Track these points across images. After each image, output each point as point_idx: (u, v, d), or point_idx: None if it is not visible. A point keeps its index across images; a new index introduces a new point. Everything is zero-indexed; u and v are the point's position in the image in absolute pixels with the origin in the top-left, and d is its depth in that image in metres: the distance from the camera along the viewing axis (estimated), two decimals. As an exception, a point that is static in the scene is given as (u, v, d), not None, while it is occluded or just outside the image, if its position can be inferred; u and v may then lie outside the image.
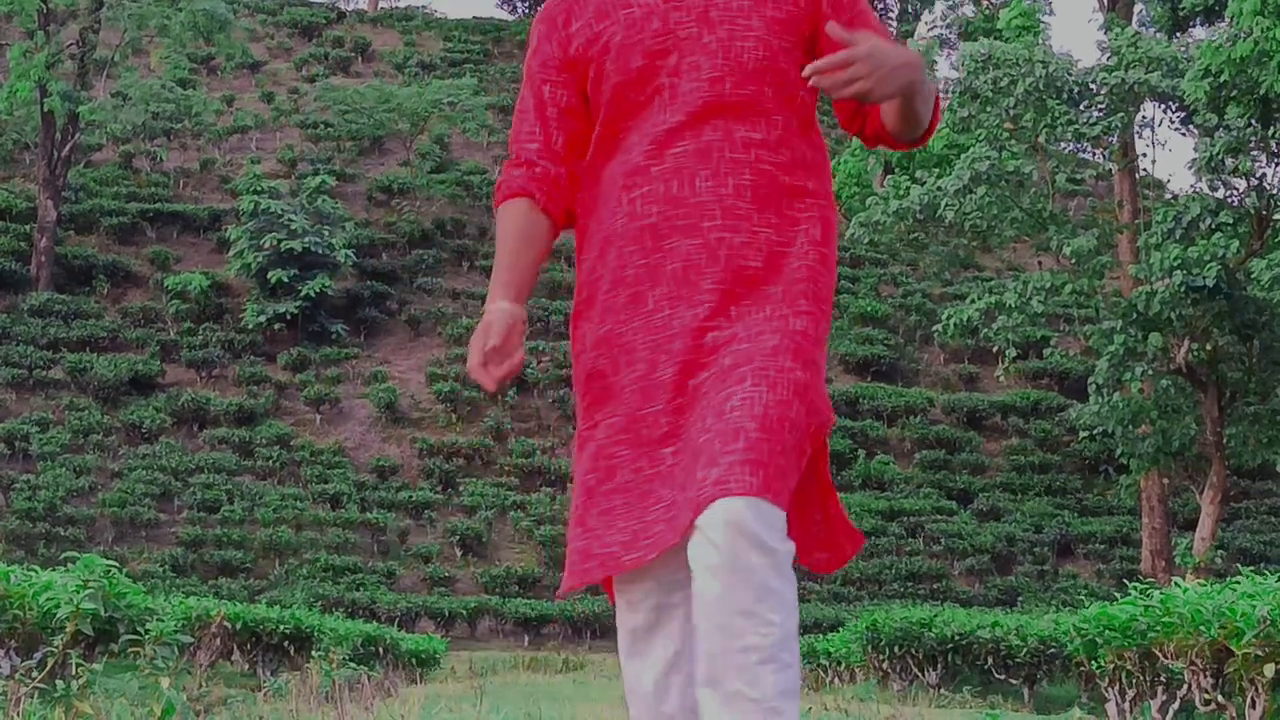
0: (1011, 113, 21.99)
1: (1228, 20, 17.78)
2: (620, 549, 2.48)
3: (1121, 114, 22.40)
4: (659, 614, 2.58)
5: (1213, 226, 20.23)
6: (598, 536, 2.51)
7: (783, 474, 2.37)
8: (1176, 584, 7.89)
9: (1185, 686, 7.64)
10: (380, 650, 16.43)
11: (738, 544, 2.30)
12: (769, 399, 2.38)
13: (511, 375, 2.56)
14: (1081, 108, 22.56)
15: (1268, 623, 6.20)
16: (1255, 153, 19.38)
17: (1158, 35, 23.69)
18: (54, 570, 8.69)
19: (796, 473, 2.44)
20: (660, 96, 2.58)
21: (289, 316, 35.36)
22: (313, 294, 35.26)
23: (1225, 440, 21.67)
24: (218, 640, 12.08)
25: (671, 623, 2.57)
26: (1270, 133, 18.39)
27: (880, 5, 33.13)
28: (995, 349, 23.98)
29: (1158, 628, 7.79)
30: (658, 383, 2.51)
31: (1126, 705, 8.97)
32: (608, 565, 2.50)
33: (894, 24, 34.34)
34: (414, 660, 18.02)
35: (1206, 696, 7.31)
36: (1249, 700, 6.53)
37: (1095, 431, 23.75)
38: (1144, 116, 24.54)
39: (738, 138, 2.57)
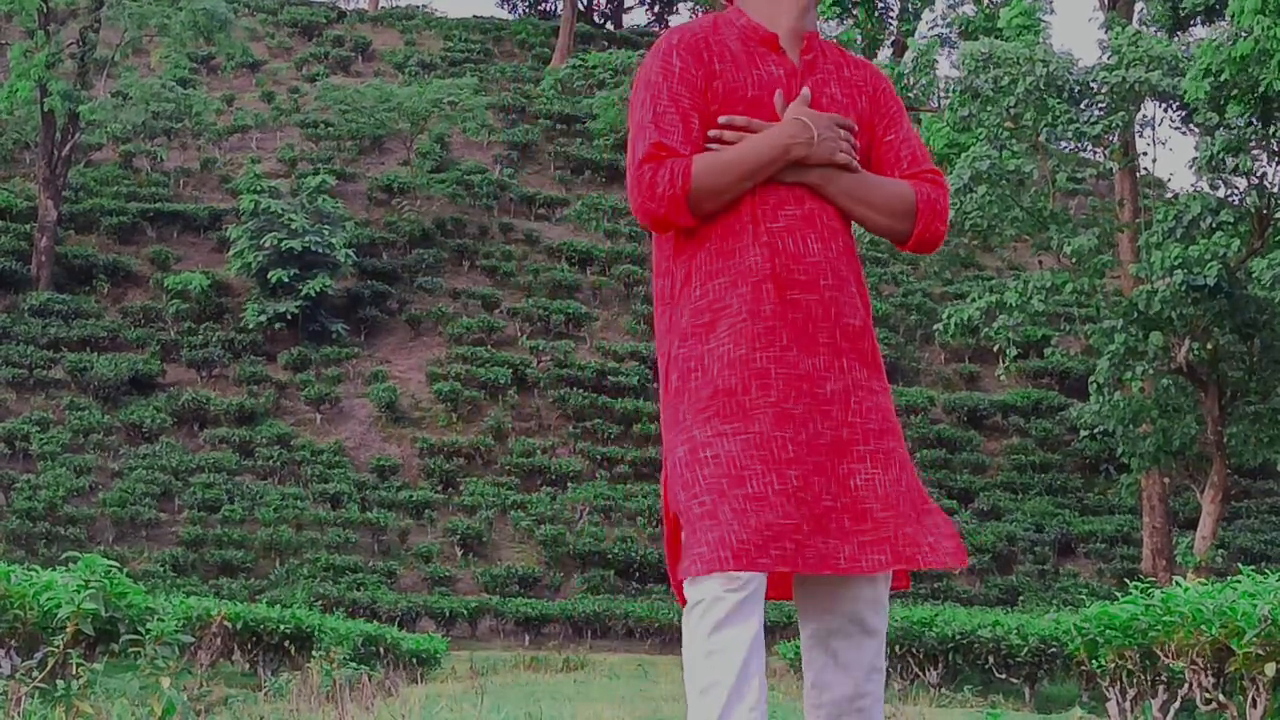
0: (1012, 112, 21.99)
1: (1228, 19, 17.77)
2: (754, 551, 2.75)
3: (1122, 113, 22.40)
4: (751, 609, 2.81)
5: (1213, 225, 20.23)
6: (735, 531, 2.76)
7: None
8: (1177, 583, 7.90)
9: (1186, 685, 7.65)
10: (381, 650, 16.44)
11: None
12: (887, 480, 2.93)
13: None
14: (1082, 106, 22.56)
15: (1269, 622, 6.21)
16: (1256, 151, 19.38)
17: (1158, 34, 23.69)
18: (55, 570, 8.70)
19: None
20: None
21: (289, 316, 35.37)
22: (313, 293, 35.27)
23: (1226, 439, 21.67)
24: (218, 640, 12.09)
25: (755, 618, 2.81)
26: (1271, 131, 18.41)
27: (881, 5, 33.11)
28: (996, 348, 23.98)
29: (1159, 627, 7.80)
30: (788, 414, 2.87)
31: (1127, 704, 8.98)
32: (736, 560, 2.75)
33: (894, 24, 34.33)
34: (414, 660, 18.03)
35: (1207, 695, 7.31)
36: (1250, 699, 6.53)
37: (1096, 431, 23.75)
38: (1144, 115, 24.54)
39: (829, 211, 3.01)
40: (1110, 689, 9.32)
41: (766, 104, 3.01)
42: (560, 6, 56.18)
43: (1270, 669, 6.21)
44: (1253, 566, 8.02)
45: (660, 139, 2.94)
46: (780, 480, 2.81)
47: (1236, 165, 19.50)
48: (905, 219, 3.05)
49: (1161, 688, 8.29)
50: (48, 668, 6.88)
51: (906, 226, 3.07)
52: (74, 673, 5.97)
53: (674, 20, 65.78)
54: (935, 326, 26.56)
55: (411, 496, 31.52)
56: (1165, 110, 23.67)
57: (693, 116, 2.99)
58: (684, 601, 2.87)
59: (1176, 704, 8.01)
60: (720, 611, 2.77)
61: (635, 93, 3.11)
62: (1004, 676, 14.37)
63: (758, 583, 2.80)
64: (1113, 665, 8.99)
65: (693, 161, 2.92)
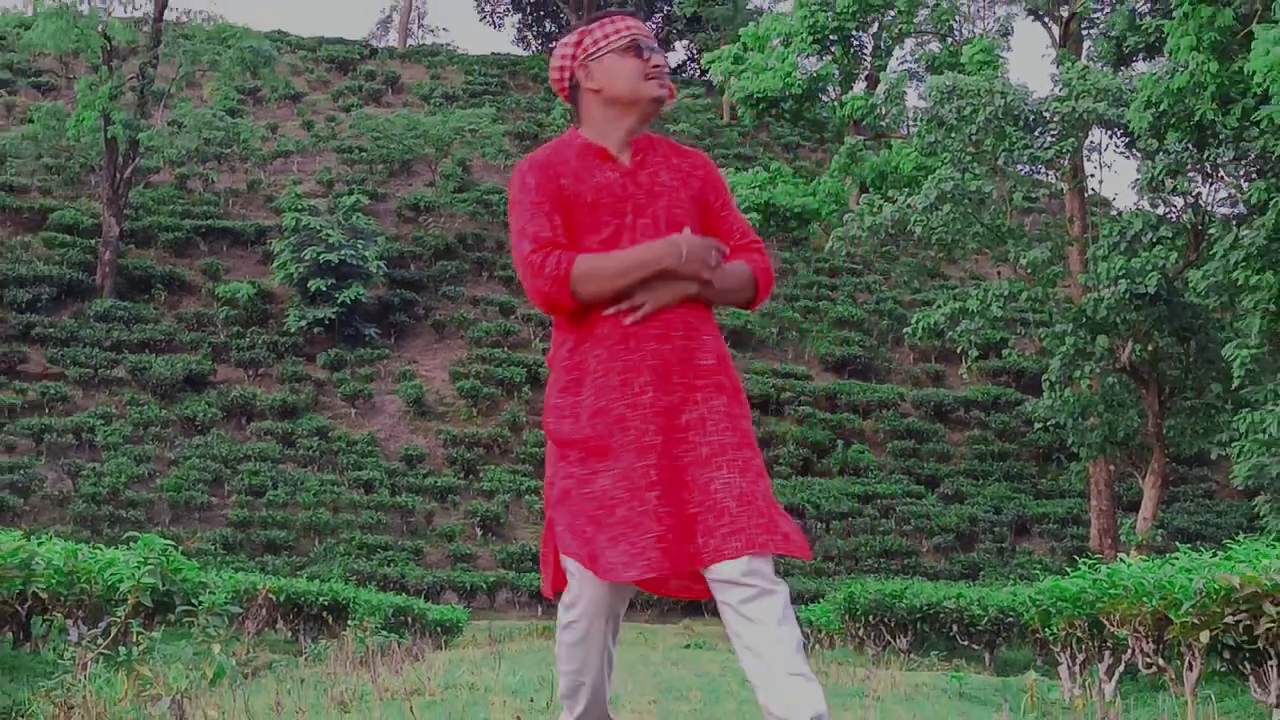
0: (973, 138, 22.00)
1: (1167, 55, 17.78)
2: (621, 566, 3.05)
3: (1072, 139, 22.42)
4: (599, 615, 3.29)
5: (1154, 240, 20.25)
6: (603, 553, 3.08)
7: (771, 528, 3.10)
8: (1122, 560, 7.91)
9: (1129, 651, 7.66)
10: (409, 619, 16.45)
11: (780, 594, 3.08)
12: (743, 482, 3.13)
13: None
14: (1036, 134, 22.58)
15: (1203, 594, 6.21)
16: (1192, 174, 19.38)
17: (1104, 69, 23.69)
18: (117, 549, 8.71)
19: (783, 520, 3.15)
20: (622, 243, 3.26)
21: (327, 321, 35.42)
22: (348, 301, 35.31)
23: (1165, 431, 21.68)
24: (263, 611, 12.09)
25: (603, 620, 3.30)
26: (1205, 156, 18.40)
27: (856, 43, 33.10)
28: (959, 349, 23.99)
29: (1105, 599, 7.81)
30: (648, 446, 3.13)
31: (1077, 668, 8.99)
32: (612, 573, 3.07)
33: (868, 59, 34.30)
34: (439, 628, 18.03)
35: (1148, 660, 7.32)
36: (1186, 664, 6.54)
37: (1049, 423, 23.77)
38: (1092, 141, 24.61)
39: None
40: (1061, 654, 9.33)
41: (605, 204, 3.30)
42: (569, 44, 56.17)
43: (1204, 636, 6.21)
44: (1189, 545, 8.02)
45: (539, 233, 3.21)
46: (643, 503, 3.08)
47: (1174, 186, 19.50)
48: (748, 292, 3.44)
49: (1107, 653, 8.30)
50: (111, 636, 6.88)
51: (749, 297, 3.46)
52: (134, 640, 5.97)
53: (671, 57, 65.81)
54: (904, 330, 26.55)
55: (436, 482, 31.56)
56: (1110, 137, 23.73)
57: (555, 216, 3.26)
58: (552, 596, 3.42)
59: (1120, 668, 8.02)
60: (574, 616, 3.30)
61: (510, 211, 3.35)
62: (966, 643, 14.37)
63: (605, 591, 3.22)
64: (1064, 633, 9.00)
65: (576, 255, 3.18)
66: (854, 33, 32.75)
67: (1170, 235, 20.23)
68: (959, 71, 25.79)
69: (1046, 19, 28.57)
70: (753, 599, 3.03)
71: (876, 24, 33.19)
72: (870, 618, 14.95)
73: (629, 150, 3.39)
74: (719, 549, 3.04)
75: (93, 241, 36.85)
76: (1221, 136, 17.35)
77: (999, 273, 26.39)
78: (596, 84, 3.40)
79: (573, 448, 3.20)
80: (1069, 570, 9.20)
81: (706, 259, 3.26)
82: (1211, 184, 19.88)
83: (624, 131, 3.38)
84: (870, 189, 28.70)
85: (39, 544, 7.87)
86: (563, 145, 3.43)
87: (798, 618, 16.43)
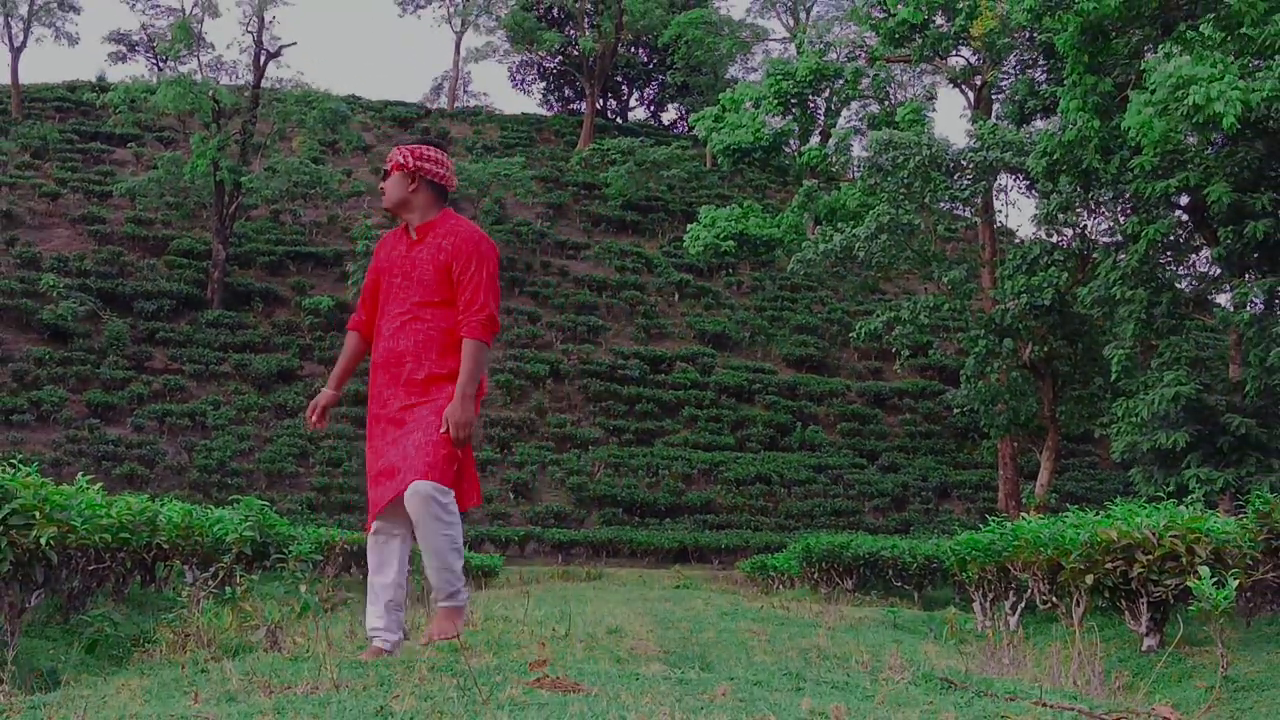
0: (905, 181, 21.98)
1: (1059, 115, 17.76)
2: (377, 496, 3.84)
3: (984, 182, 22.40)
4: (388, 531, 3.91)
5: (1049, 263, 20.24)
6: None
7: (440, 470, 3.75)
8: (1023, 518, 7.90)
9: (1029, 591, 7.66)
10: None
11: (424, 502, 3.72)
12: (427, 445, 3.77)
13: (322, 426, 4.13)
14: (955, 177, 22.56)
15: (1088, 545, 6.21)
16: (1079, 210, 19.37)
17: (1009, 126, 23.64)
18: (224, 509, 8.70)
19: (450, 469, 3.82)
20: (392, 296, 3.97)
21: (391, 327, 35.40)
22: (408, 311, 35.27)
23: (1058, 415, 21.68)
24: (340, 559, 12.09)
25: (395, 539, 3.91)
26: (1090, 196, 18.39)
27: (812, 105, 33.07)
28: (894, 350, 23.98)
29: (1010, 549, 7.81)
30: (375, 419, 3.93)
31: (987, 604, 8.98)
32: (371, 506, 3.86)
33: (822, 118, 34.25)
34: (480, 573, 18.04)
35: (1044, 598, 7.32)
36: (1075, 601, 6.54)
37: (965, 409, 23.76)
38: (1000, 184, 24.53)
39: (419, 322, 3.91)
40: (975, 593, 9.33)
41: (393, 278, 4.01)
42: (584, 106, 56.16)
43: (1089, 579, 6.21)
44: (1077, 506, 8.02)
45: (357, 306, 4.19)
46: (369, 457, 3.92)
47: (1065, 220, 19.50)
48: (483, 356, 3.91)
49: (1011, 592, 8.29)
50: (219, 578, 6.88)
51: (486, 354, 3.94)
52: (238, 582, 5.97)
53: (665, 117, 65.79)
54: (850, 334, 26.54)
55: (478, 456, 31.55)
56: (1014, 180, 23.67)
57: (368, 289, 4.21)
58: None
59: (1022, 604, 8.02)
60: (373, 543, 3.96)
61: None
62: (900, 585, 14.37)
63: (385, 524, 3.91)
64: (977, 576, 9.00)
65: (351, 333, 4.18)
66: (810, 97, 32.70)
67: (1062, 259, 20.23)
68: (894, 128, 25.76)
69: (964, 86, 28.56)
70: (393, 535, 3.95)
71: (828, 90, 33.14)
72: (823, 564, 14.95)
73: (417, 231, 4.07)
74: (380, 495, 3.84)
75: (204, 263, 36.84)
76: (1103, 180, 17.33)
77: (926, 289, 26.37)
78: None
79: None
80: (981, 526, 9.19)
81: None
82: (1095, 218, 19.89)
83: (411, 222, 4.08)
84: (823, 222, 28.68)
85: (162, 505, 7.87)
86: (402, 226, 4.17)
87: (764, 565, 16.40)
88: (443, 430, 3.76)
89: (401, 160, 4.05)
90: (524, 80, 63.40)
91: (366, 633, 3.93)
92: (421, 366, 3.87)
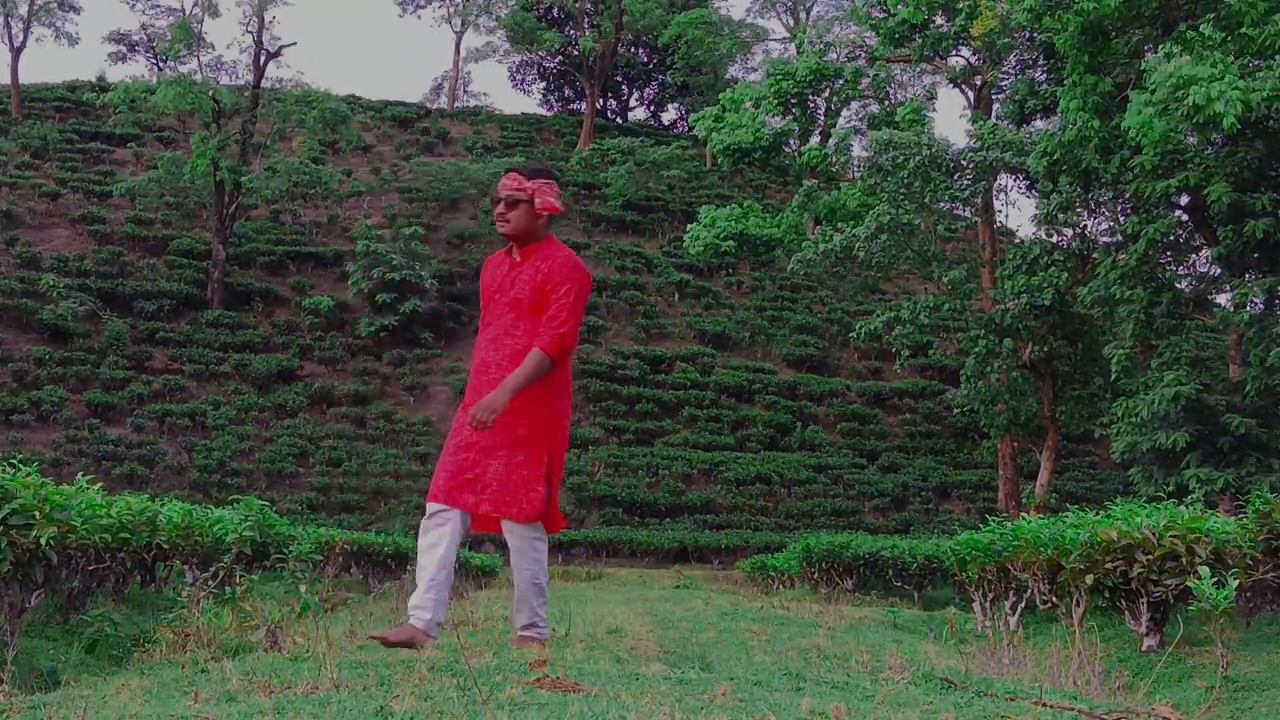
0: (905, 181, 21.98)
1: (1059, 115, 17.76)
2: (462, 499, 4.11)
3: (984, 182, 22.40)
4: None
5: (1049, 263, 20.23)
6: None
7: (538, 509, 4.10)
8: (1023, 518, 7.90)
9: (1029, 590, 7.65)
10: (456, 565, 16.40)
11: (523, 539, 4.15)
12: (532, 480, 4.10)
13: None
14: (955, 177, 22.55)
15: (1088, 545, 6.21)
16: (1079, 210, 19.37)
17: (1009, 126, 23.65)
18: (223, 508, 8.70)
19: (544, 505, 4.12)
20: (493, 313, 4.27)
21: (391, 327, 35.41)
22: (408, 311, 35.31)
23: (1057, 415, 21.68)
24: (340, 558, 12.09)
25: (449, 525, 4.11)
26: (1090, 196, 18.39)
27: (812, 105, 33.07)
28: (894, 350, 23.98)
29: (1009, 549, 7.80)
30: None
31: (987, 604, 8.98)
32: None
33: (822, 118, 34.23)
34: (479, 572, 18.04)
35: (1044, 598, 7.31)
36: (1075, 600, 6.54)
37: (965, 409, 23.76)
38: (999, 184, 24.53)
39: (511, 339, 4.19)
40: (975, 593, 9.32)
41: (495, 295, 4.33)
42: (584, 106, 56.18)
43: (1089, 579, 6.21)
44: (1077, 506, 8.01)
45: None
46: (455, 444, 4.19)
47: (1065, 220, 19.50)
48: (543, 368, 4.11)
49: (1011, 592, 8.29)
50: (219, 578, 6.88)
51: (548, 368, 4.12)
52: (237, 582, 5.97)
53: (665, 117, 65.81)
54: (850, 334, 26.54)
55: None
56: (1014, 180, 23.67)
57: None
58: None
59: (1022, 604, 8.02)
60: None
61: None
62: (900, 584, 14.36)
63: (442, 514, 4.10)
64: (977, 576, 8.99)
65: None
66: (810, 97, 32.70)
67: (1062, 259, 20.23)
68: (894, 128, 25.75)
69: (964, 86, 28.55)
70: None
71: (828, 90, 33.14)
72: (823, 564, 14.94)
73: (520, 253, 4.31)
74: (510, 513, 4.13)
75: (204, 263, 36.84)
76: (1103, 180, 17.33)
77: (926, 289, 26.37)
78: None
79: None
80: (981, 526, 9.19)
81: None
82: (1095, 218, 19.89)
83: (515, 244, 4.35)
84: (823, 222, 28.67)
85: (162, 505, 7.86)
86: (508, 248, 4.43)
87: (764, 564, 16.38)
88: (474, 413, 4.00)
89: (529, 194, 4.21)
90: (524, 80, 63.44)
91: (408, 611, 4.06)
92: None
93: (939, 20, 26.76)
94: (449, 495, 4.05)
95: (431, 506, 4.10)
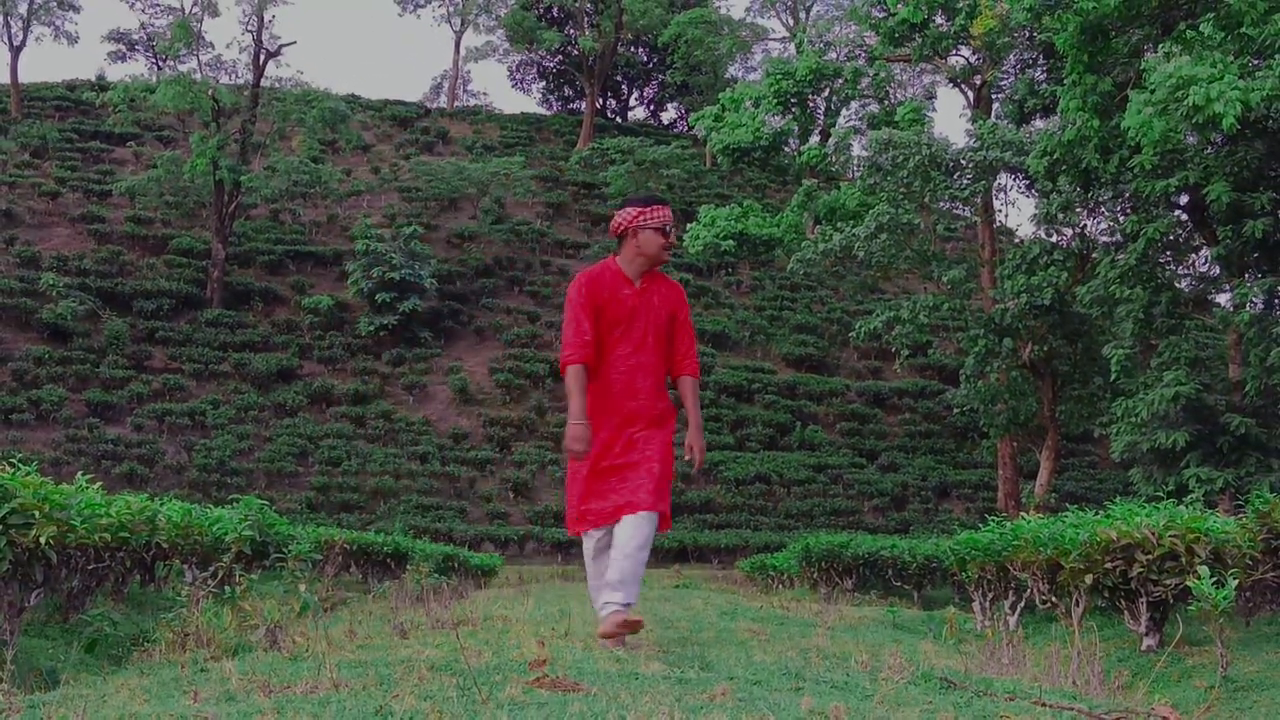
0: (905, 181, 21.99)
1: (1059, 114, 17.75)
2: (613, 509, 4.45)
3: (983, 182, 22.40)
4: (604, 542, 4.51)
5: (1048, 262, 20.23)
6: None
7: (665, 500, 4.47)
8: (1023, 517, 7.90)
9: (1029, 590, 7.65)
10: (455, 564, 16.44)
11: (649, 525, 4.37)
12: (664, 477, 4.46)
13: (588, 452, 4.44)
14: (955, 177, 22.55)
15: (1087, 545, 6.21)
16: (1079, 210, 19.36)
17: (1009, 125, 23.65)
18: (223, 508, 8.70)
19: (669, 498, 4.52)
20: (623, 335, 4.51)
21: (390, 326, 35.41)
22: (407, 310, 35.29)
23: (1057, 415, 21.69)
24: (340, 558, 12.09)
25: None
26: (1089, 195, 18.38)
27: (811, 105, 33.07)
28: (893, 349, 23.98)
29: (1009, 548, 7.80)
30: (627, 438, 4.46)
31: (987, 603, 8.98)
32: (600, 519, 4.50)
33: (821, 118, 34.25)
34: (480, 572, 18.04)
35: (1044, 598, 7.31)
36: (1074, 600, 6.54)
37: (965, 408, 23.77)
38: (999, 183, 24.53)
39: (653, 360, 4.55)
40: (975, 592, 9.32)
41: (624, 318, 4.49)
42: (584, 105, 56.16)
43: (1088, 579, 6.21)
44: (1076, 506, 8.01)
45: (575, 339, 4.42)
46: (603, 457, 4.53)
47: (1065, 219, 19.49)
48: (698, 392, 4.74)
49: (1011, 592, 8.29)
50: (218, 578, 6.88)
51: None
52: (237, 581, 5.97)
53: (664, 116, 65.81)
54: (850, 334, 26.55)
55: (477, 455, 31.56)
56: (1014, 179, 23.66)
57: (587, 325, 4.46)
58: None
59: (1021, 604, 8.02)
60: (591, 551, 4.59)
61: (567, 303, 4.52)
62: (899, 584, 14.35)
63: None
64: (976, 575, 8.99)
65: (580, 366, 4.40)
66: (810, 97, 32.71)
67: (1062, 258, 20.22)
68: (894, 127, 25.76)
69: (963, 85, 28.56)
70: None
71: (828, 89, 33.13)
72: (823, 563, 14.93)
73: (641, 280, 4.58)
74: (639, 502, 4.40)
75: (204, 263, 36.84)
76: (1102, 180, 17.33)
77: (925, 288, 26.37)
78: (639, 242, 4.56)
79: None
80: (981, 525, 9.19)
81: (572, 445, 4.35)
82: (1094, 218, 19.88)
83: (638, 276, 4.59)
84: (823, 221, 28.68)
85: (161, 504, 7.86)
86: (608, 269, 4.60)
87: (764, 564, 16.29)
88: (687, 458, 4.60)
89: (672, 226, 4.68)
90: (523, 80, 63.41)
91: (600, 612, 4.47)
92: (657, 402, 4.55)
93: (939, 20, 26.77)
94: (613, 517, 4.43)
95: (596, 532, 4.50)
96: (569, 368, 4.40)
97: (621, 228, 4.60)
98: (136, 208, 38.91)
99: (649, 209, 4.58)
